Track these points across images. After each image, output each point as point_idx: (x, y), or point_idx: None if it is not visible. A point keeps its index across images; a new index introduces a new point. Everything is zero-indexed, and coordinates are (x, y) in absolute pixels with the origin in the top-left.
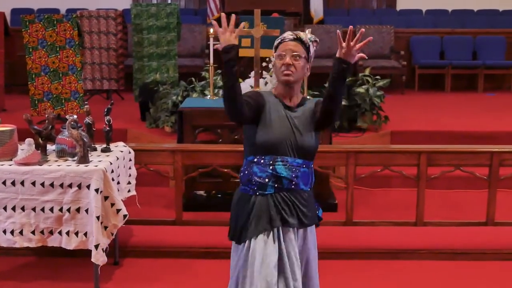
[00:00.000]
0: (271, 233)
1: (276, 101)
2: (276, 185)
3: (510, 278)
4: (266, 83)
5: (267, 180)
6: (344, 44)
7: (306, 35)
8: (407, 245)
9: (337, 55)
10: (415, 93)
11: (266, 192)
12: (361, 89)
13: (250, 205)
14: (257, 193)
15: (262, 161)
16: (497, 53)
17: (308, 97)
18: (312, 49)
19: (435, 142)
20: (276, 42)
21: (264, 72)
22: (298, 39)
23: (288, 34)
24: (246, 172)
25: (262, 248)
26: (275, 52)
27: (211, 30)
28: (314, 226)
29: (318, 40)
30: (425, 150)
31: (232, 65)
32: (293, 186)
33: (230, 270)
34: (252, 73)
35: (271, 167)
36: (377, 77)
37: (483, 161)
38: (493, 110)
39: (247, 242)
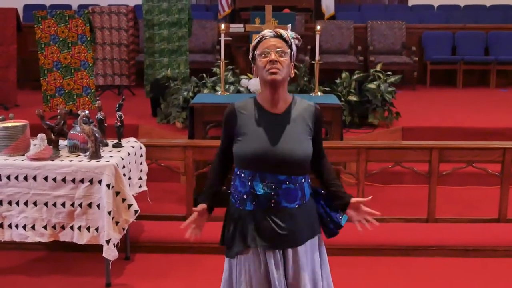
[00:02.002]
0: (255, 251)
1: (255, 111)
2: (254, 203)
3: None
4: None
5: (245, 196)
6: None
7: (287, 32)
8: (418, 241)
9: (351, 202)
10: (426, 89)
11: (246, 208)
12: (372, 85)
13: (235, 218)
14: (240, 207)
15: (242, 175)
16: (510, 49)
17: (298, 97)
18: (294, 47)
19: (446, 138)
20: (254, 42)
21: None
22: (279, 36)
23: (268, 32)
24: (232, 183)
25: (246, 265)
26: (254, 52)
27: (223, 26)
28: (312, 242)
29: (299, 37)
30: (436, 146)
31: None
32: (272, 205)
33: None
34: None
35: (249, 183)
36: (389, 73)
37: (495, 157)
38: (506, 106)
39: (237, 257)
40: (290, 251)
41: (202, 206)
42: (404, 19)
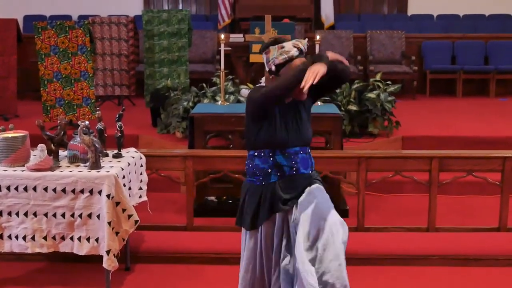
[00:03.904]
0: (279, 217)
1: None
2: (278, 174)
3: None
4: None
5: (269, 170)
6: None
7: (304, 43)
8: (419, 251)
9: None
10: (426, 98)
11: (271, 181)
12: (372, 95)
13: (258, 195)
14: (263, 183)
15: (262, 154)
16: (509, 58)
17: None
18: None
19: (446, 147)
20: (281, 60)
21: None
22: (301, 52)
23: (295, 51)
24: (250, 165)
25: (270, 233)
26: (282, 67)
27: (222, 36)
28: (310, 188)
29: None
30: (436, 156)
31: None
32: (294, 172)
33: (241, 252)
34: (263, 79)
35: (271, 158)
36: (388, 82)
37: (495, 166)
38: (506, 115)
39: (259, 228)
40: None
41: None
42: (403, 29)
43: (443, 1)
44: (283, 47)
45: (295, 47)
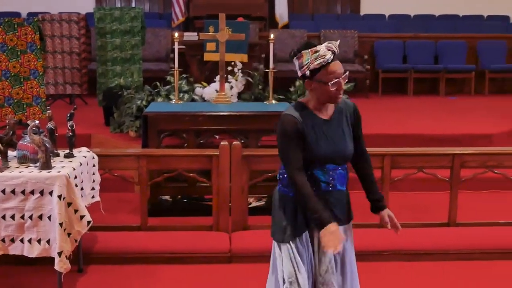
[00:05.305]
0: (307, 232)
1: (311, 117)
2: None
3: (472, 277)
4: (231, 87)
5: None
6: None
7: (336, 45)
8: (371, 247)
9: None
10: (378, 97)
11: None
12: None
13: (291, 206)
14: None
15: None
16: (458, 58)
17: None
18: None
19: (398, 145)
20: (316, 64)
21: (229, 76)
22: (335, 54)
23: (329, 55)
24: (285, 175)
25: (297, 249)
26: (315, 73)
27: (176, 35)
28: (350, 225)
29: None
30: (388, 153)
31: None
32: (330, 188)
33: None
34: (218, 77)
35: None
36: None
37: (445, 163)
38: (455, 113)
39: (290, 242)
40: (341, 228)
41: (336, 226)
42: (356, 28)
43: (394, 1)
44: (317, 51)
45: (329, 50)
